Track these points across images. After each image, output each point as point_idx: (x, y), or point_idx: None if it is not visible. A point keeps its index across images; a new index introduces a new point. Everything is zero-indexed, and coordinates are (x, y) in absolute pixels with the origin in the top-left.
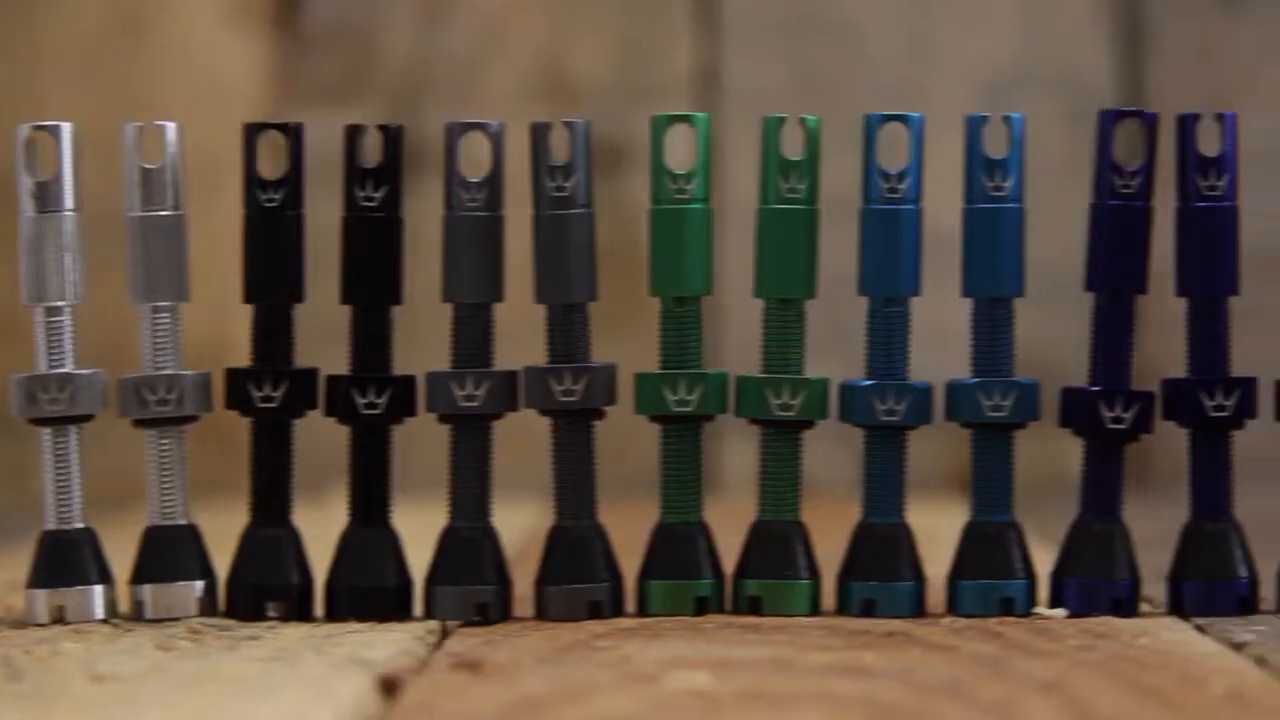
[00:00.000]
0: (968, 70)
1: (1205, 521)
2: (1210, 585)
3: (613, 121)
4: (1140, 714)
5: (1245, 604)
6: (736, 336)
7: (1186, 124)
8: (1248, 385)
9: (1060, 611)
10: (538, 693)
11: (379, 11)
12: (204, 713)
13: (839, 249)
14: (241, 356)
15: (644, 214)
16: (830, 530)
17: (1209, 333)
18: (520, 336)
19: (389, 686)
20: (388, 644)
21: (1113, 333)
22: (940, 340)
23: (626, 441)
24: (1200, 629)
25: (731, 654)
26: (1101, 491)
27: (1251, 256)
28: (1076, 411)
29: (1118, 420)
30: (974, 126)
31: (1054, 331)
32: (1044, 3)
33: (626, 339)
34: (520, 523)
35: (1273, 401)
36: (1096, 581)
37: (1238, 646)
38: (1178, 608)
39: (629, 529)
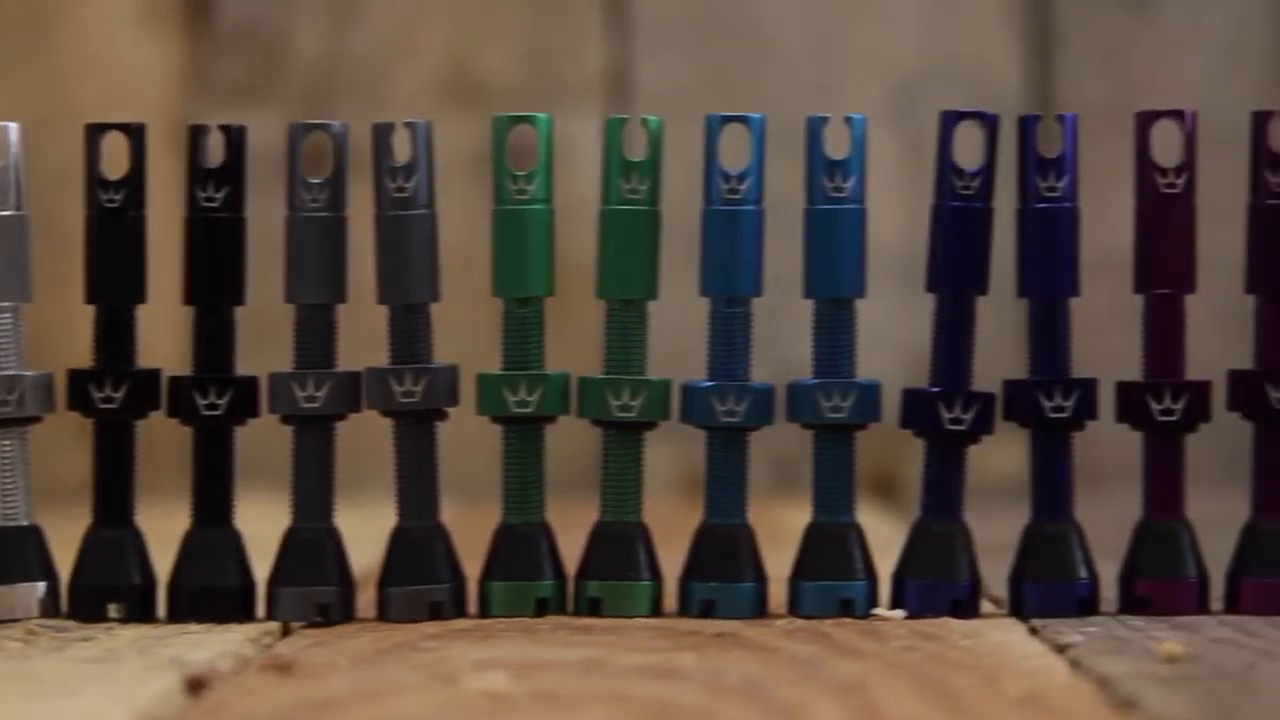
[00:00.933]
0: (878, 71)
1: (1045, 522)
2: (1050, 586)
3: None
4: (928, 716)
5: (1085, 605)
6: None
7: (1026, 125)
8: (1087, 386)
9: (899, 613)
10: (335, 693)
11: (289, 11)
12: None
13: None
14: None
15: (574, 213)
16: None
17: (1049, 334)
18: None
19: (194, 687)
20: (217, 645)
21: (953, 334)
22: (873, 344)
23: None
24: (1034, 630)
25: (550, 655)
26: (942, 493)
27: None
28: (916, 412)
29: (957, 421)
30: (814, 128)
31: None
32: (953, 4)
33: (562, 339)
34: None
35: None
36: (936, 583)
37: (1062, 648)
38: (1018, 609)
39: (566, 530)
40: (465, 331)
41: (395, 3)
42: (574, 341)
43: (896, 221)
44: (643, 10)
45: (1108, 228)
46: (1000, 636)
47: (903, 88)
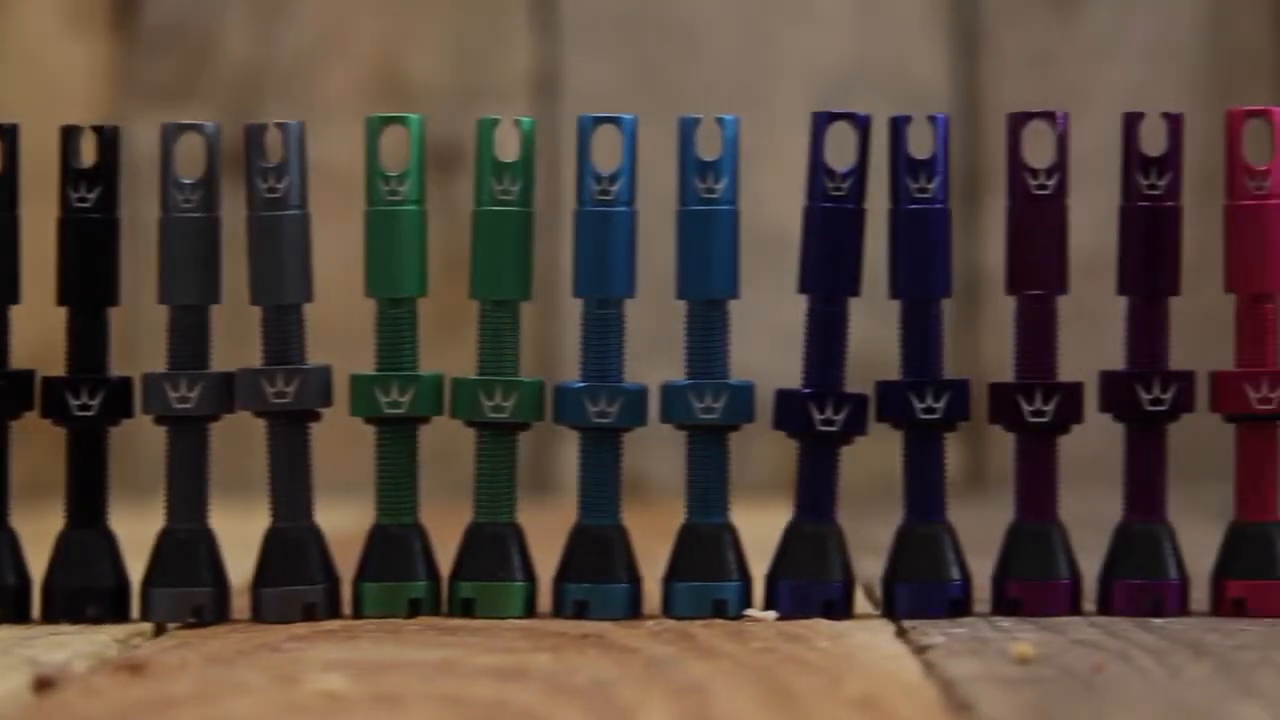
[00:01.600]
0: (805, 71)
1: (917, 524)
2: (921, 587)
3: (450, 123)
4: (757, 717)
5: (957, 606)
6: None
7: (898, 126)
8: (959, 387)
9: (771, 614)
10: (177, 694)
11: (217, 12)
12: None
13: (668, 253)
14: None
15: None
16: (663, 533)
17: (921, 334)
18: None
19: (41, 686)
20: (82, 645)
21: (825, 336)
22: (793, 342)
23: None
24: (902, 631)
25: (406, 656)
26: (815, 493)
27: (1084, 257)
28: (788, 414)
29: (828, 422)
30: (686, 129)
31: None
32: (880, 5)
33: (461, 343)
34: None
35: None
36: (809, 584)
37: (922, 649)
38: (890, 610)
39: (449, 532)
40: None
41: (323, 3)
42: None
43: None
44: (570, 11)
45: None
46: (865, 638)
47: (830, 89)
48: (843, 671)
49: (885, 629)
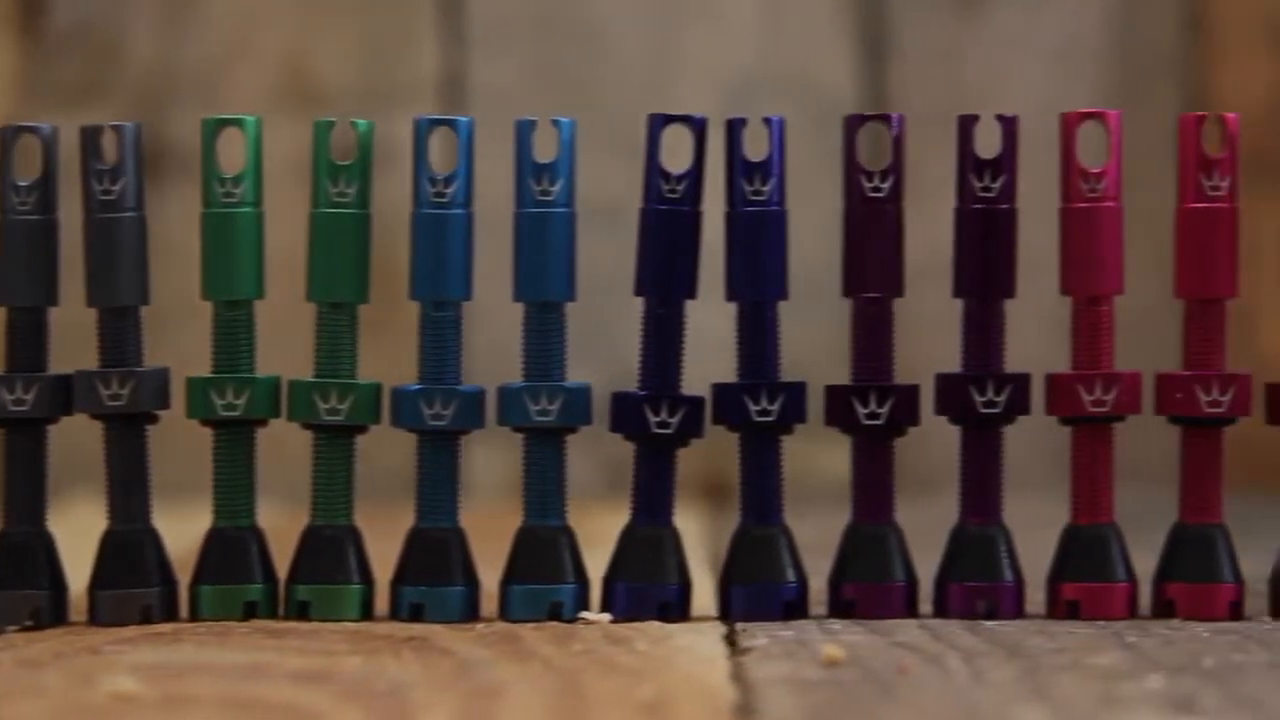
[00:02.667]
0: (713, 73)
1: (753, 526)
2: (756, 589)
3: None
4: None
5: (792, 608)
6: (486, 342)
7: (733, 129)
8: (795, 390)
9: (605, 616)
10: None
11: (122, 14)
12: None
13: (595, 254)
14: None
15: (401, 218)
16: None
17: (756, 337)
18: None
19: None
20: None
21: (661, 338)
22: (705, 346)
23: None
24: (732, 634)
25: (219, 659)
26: (651, 496)
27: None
28: (624, 416)
29: (664, 425)
30: (523, 131)
31: (813, 334)
32: (786, 7)
33: (384, 345)
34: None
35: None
36: (645, 586)
37: (742, 652)
38: (726, 612)
39: (382, 535)
40: (288, 334)
41: (229, 4)
42: (393, 349)
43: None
44: (477, 12)
45: (936, 231)
46: (690, 640)
47: (736, 91)
48: (646, 675)
49: (716, 631)
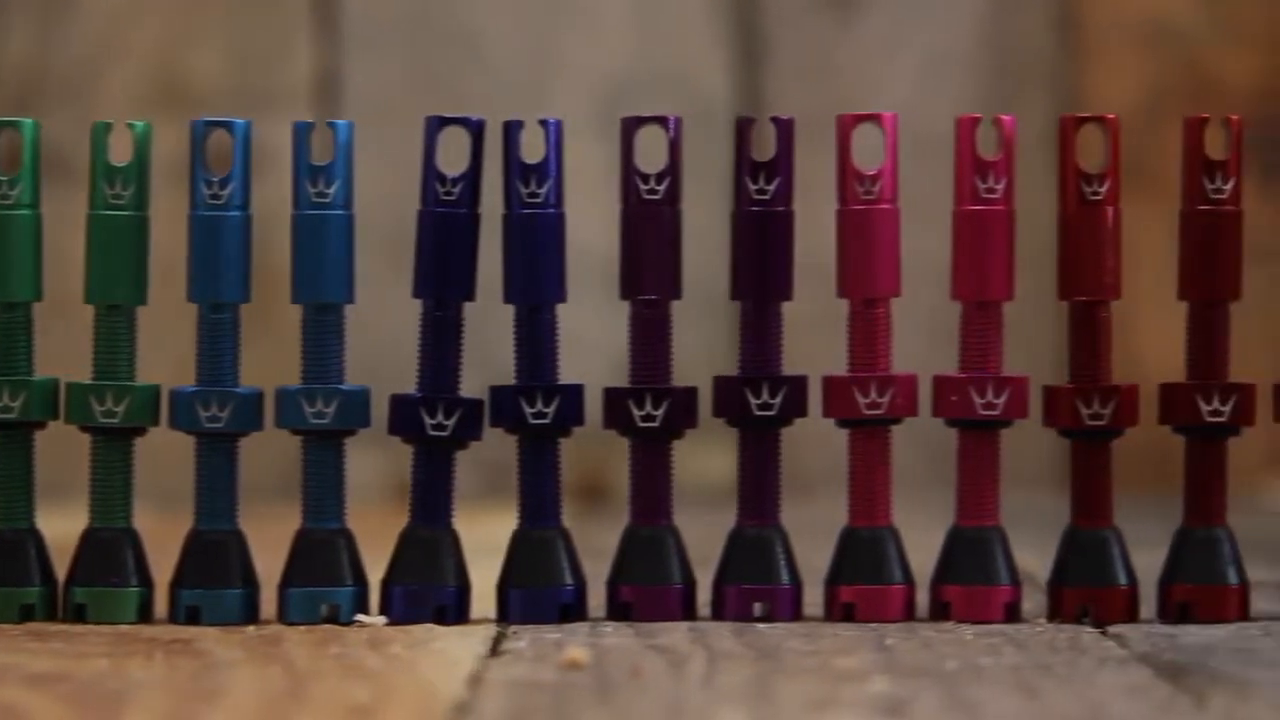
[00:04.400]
0: (588, 76)
1: (531, 529)
2: (532, 593)
3: None
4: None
5: (568, 611)
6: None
7: (510, 131)
8: (571, 393)
9: (381, 619)
10: None
11: None
12: None
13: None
14: None
15: (274, 220)
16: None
17: (534, 340)
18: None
19: None
20: None
21: (439, 340)
22: (578, 348)
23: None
24: (499, 637)
25: None
26: (428, 499)
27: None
28: (401, 419)
29: (440, 427)
30: (300, 134)
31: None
32: (661, 11)
33: (257, 347)
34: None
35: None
36: (422, 588)
37: (498, 655)
38: (504, 615)
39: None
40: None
41: (103, 5)
42: (273, 350)
43: (603, 227)
44: (352, 13)
45: (815, 234)
46: (451, 644)
47: (611, 94)
48: (381, 678)
49: (486, 634)
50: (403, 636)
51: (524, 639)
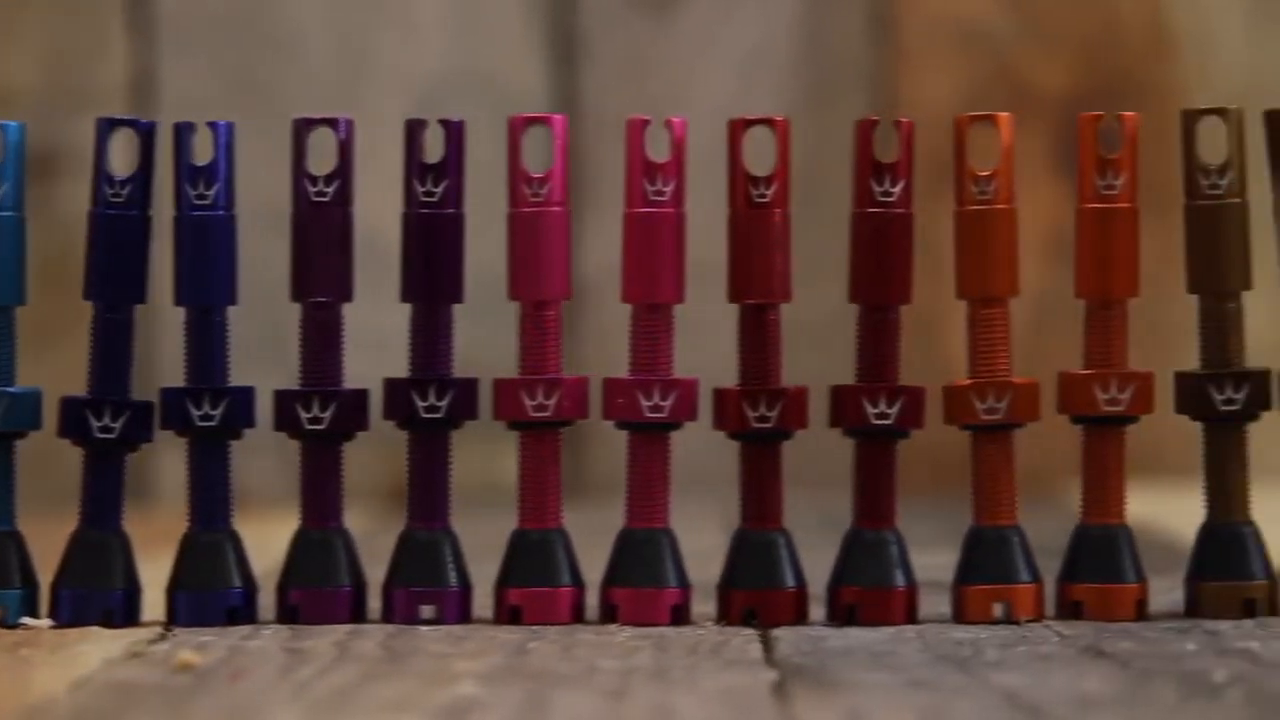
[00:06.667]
0: (403, 78)
1: (201, 533)
2: (200, 596)
3: (46, 128)
4: None
5: (236, 614)
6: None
7: (181, 133)
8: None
9: (46, 622)
10: None
11: None
12: None
13: (274, 257)
14: None
15: (78, 221)
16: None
17: (204, 342)
18: None
19: None
20: None
21: (110, 342)
22: (379, 349)
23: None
24: (156, 640)
25: None
26: (99, 502)
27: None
28: (70, 422)
29: (107, 430)
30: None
31: (490, 335)
32: (476, 13)
33: (59, 349)
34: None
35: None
36: (89, 592)
37: (136, 658)
38: (171, 618)
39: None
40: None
41: None
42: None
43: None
44: (166, 13)
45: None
46: (84, 648)
47: (427, 95)
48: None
49: (139, 636)
50: (54, 639)
51: (174, 642)
